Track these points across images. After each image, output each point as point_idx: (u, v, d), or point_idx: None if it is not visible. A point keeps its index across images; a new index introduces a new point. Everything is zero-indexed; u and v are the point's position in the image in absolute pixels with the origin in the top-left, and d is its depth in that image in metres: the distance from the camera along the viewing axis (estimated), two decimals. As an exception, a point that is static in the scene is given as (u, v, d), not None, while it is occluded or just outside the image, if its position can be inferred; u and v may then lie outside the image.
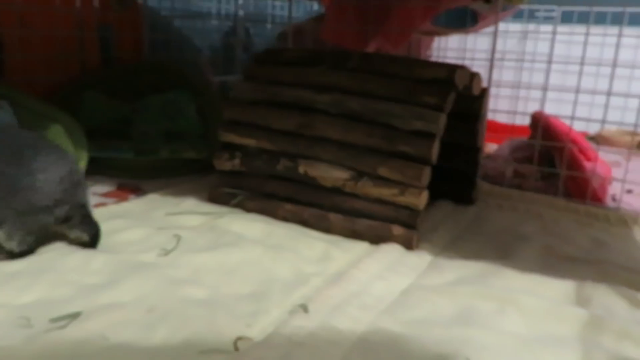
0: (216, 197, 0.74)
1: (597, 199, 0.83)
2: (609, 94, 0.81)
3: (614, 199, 0.86)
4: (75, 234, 0.57)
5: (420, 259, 0.60)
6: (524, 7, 1.18)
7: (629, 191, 0.89)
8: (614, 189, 0.87)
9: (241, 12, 1.46)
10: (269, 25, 1.55)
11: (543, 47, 1.38)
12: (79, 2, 1.05)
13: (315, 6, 1.49)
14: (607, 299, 0.53)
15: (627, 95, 0.92)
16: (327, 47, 1.10)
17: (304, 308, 0.47)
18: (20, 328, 0.43)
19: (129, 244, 0.59)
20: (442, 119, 0.61)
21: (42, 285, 0.49)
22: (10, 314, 0.44)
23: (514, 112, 1.12)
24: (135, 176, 0.86)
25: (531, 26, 1.40)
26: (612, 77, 0.80)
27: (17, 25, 0.97)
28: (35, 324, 0.43)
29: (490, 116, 1.16)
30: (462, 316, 0.48)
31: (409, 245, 0.62)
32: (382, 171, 0.62)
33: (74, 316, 0.44)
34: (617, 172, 0.88)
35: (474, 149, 0.77)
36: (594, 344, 0.46)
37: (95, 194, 0.77)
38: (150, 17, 1.19)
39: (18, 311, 0.45)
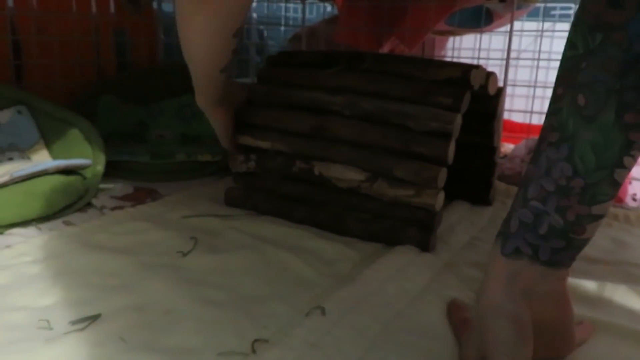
0: (232, 199, 0.74)
1: (616, 198, 0.81)
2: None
3: (634, 198, 0.85)
4: None
5: (436, 260, 0.60)
6: (540, 5, 1.16)
7: (649, 190, 0.87)
8: (635, 188, 0.86)
9: (254, 15, 1.47)
10: (282, 28, 1.55)
11: (559, 45, 1.36)
12: (95, 7, 1.07)
13: (329, 8, 1.49)
14: (628, 301, 0.53)
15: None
16: (340, 49, 1.10)
17: (321, 309, 0.47)
18: (41, 330, 0.43)
19: (146, 247, 0.60)
20: (458, 120, 0.61)
21: (62, 287, 0.50)
22: (31, 317, 0.45)
23: (530, 112, 1.11)
24: (152, 179, 0.86)
25: (547, 24, 1.38)
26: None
27: (35, 31, 0.99)
28: (55, 326, 0.44)
29: (506, 116, 1.15)
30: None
31: (425, 246, 0.62)
32: (398, 172, 0.62)
33: (94, 318, 0.45)
34: (636, 171, 0.87)
35: (490, 149, 0.76)
36: (615, 346, 0.45)
37: (113, 197, 0.78)
38: (165, 21, 1.20)
39: (38, 314, 0.45)
